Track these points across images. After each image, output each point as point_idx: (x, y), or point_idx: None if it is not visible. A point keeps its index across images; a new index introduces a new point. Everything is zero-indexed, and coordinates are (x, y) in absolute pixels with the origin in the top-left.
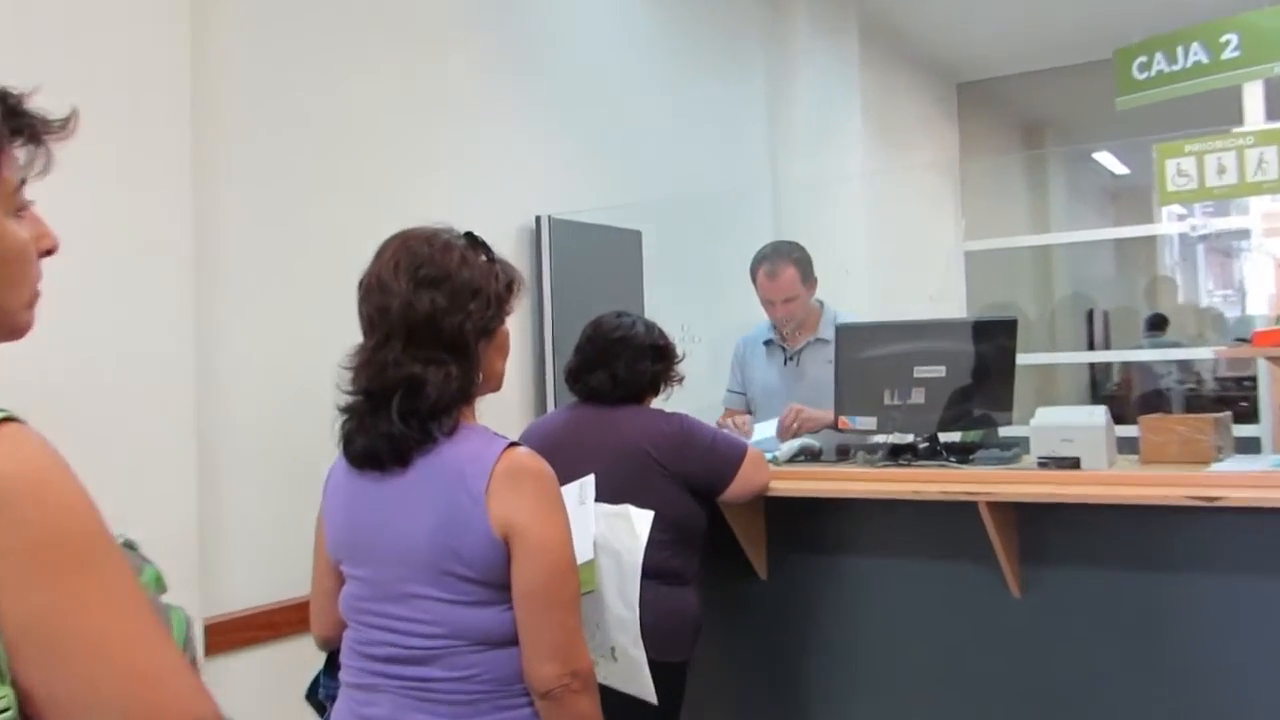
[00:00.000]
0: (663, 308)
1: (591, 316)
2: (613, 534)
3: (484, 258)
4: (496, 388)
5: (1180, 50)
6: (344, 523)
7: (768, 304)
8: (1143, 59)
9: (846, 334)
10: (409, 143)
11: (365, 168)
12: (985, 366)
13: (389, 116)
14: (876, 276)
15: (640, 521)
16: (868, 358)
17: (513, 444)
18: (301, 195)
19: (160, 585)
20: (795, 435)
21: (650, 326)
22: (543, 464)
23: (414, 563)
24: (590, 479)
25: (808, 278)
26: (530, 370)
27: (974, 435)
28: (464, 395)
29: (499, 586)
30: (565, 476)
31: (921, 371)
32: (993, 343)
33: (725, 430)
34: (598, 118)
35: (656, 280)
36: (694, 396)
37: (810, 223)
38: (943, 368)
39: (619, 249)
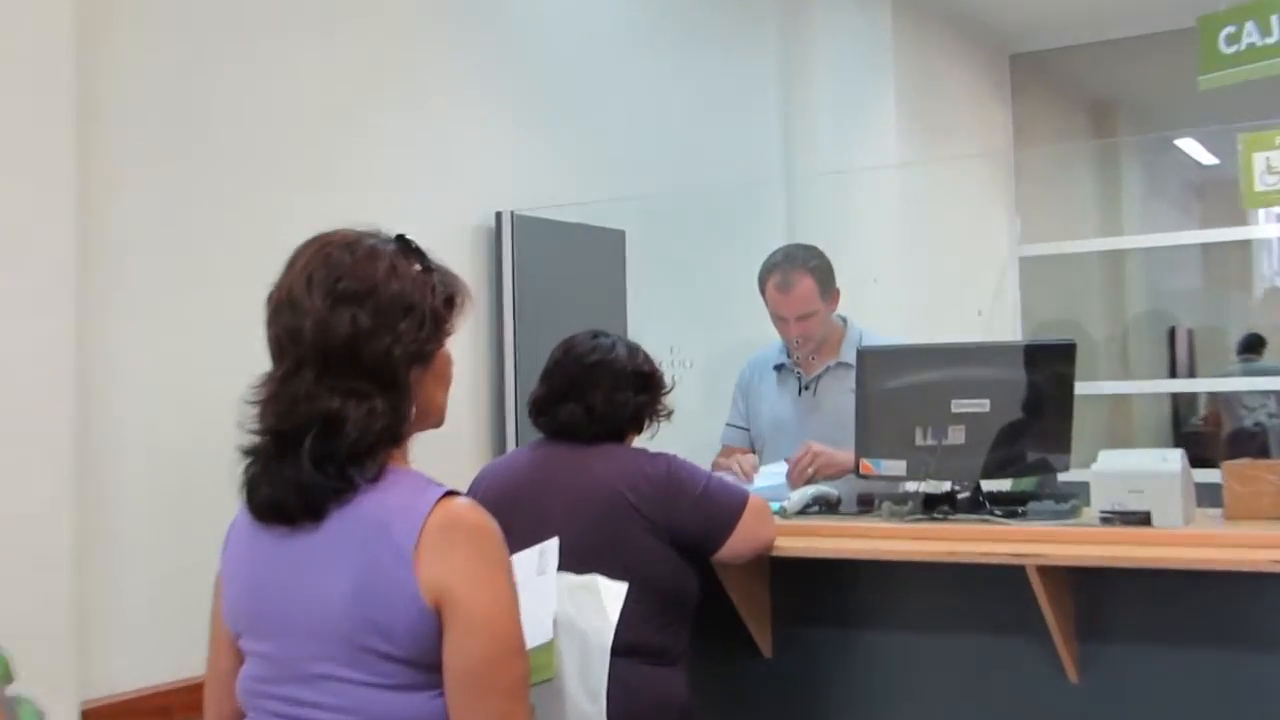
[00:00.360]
0: (649, 325)
1: (562, 335)
2: (577, 611)
3: (418, 267)
4: (437, 423)
5: (1275, 20)
6: (244, 588)
7: (779, 321)
8: (1231, 29)
9: (871, 359)
10: (341, 128)
11: (289, 158)
12: (1039, 399)
13: (317, 97)
14: (912, 288)
15: (611, 596)
16: (896, 388)
17: (451, 493)
18: (213, 190)
19: (6, 674)
20: (810, 481)
21: (633, 349)
22: (485, 517)
23: (326, 637)
24: (553, 544)
25: (827, 290)
26: (486, 401)
27: (1026, 483)
28: (392, 434)
29: (428, 667)
30: (527, 527)
31: (961, 405)
32: (1048, 370)
33: (722, 474)
34: (574, 97)
35: (642, 291)
36: (685, 434)
37: (832, 223)
38: (986, 401)
39: (597, 252)
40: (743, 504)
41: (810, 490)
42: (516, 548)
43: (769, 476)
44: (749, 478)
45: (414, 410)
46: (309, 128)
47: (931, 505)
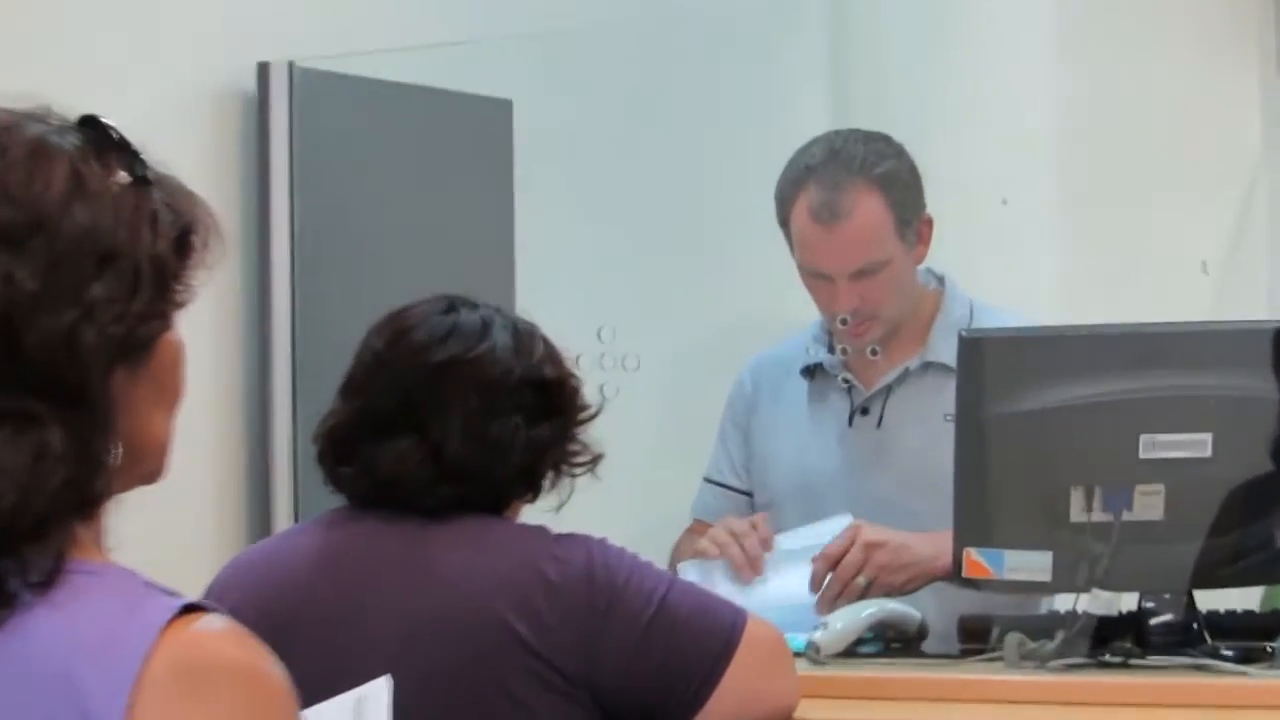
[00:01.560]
0: (557, 285)
1: (386, 303)
2: None
3: (125, 176)
4: (153, 474)
5: None
6: None
7: (815, 281)
8: None
9: (986, 355)
10: None
11: None
12: None
13: None
14: (1076, 220)
15: None
16: (1033, 414)
17: (191, 607)
18: None
19: None
20: (861, 596)
21: (524, 335)
22: (255, 654)
23: None
24: (380, 688)
25: (909, 220)
26: (240, 427)
27: None
28: (78, 494)
29: None
30: (324, 677)
31: (1160, 445)
32: None
33: (690, 566)
34: None
35: (545, 218)
36: (624, 501)
37: (921, 88)
38: (1207, 437)
39: (459, 141)
40: (734, 634)
41: (866, 610)
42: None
43: (789, 568)
44: (750, 571)
45: (119, 448)
46: None
47: (1104, 639)
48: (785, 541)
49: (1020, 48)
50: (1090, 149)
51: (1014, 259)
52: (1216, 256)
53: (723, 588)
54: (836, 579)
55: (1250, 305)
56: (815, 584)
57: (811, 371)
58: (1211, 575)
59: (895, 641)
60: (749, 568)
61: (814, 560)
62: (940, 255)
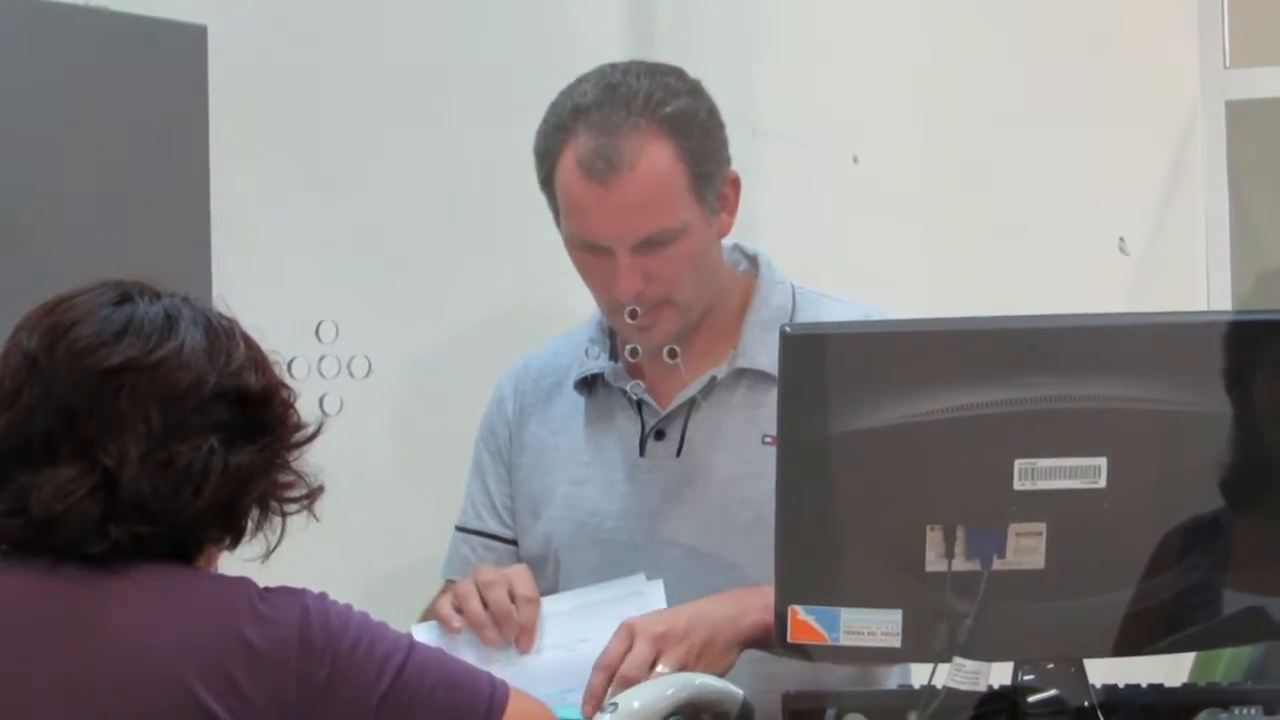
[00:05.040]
0: (265, 271)
1: (40, 289)
2: None
3: None
4: None
5: None
6: None
7: (588, 254)
8: None
9: (812, 358)
10: None
11: None
12: (1247, 460)
13: None
14: (946, 180)
15: None
16: (874, 432)
17: None
18: None
19: None
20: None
21: (221, 333)
22: None
23: None
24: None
25: (709, 174)
26: None
27: (1220, 664)
28: None
29: None
30: None
31: (1039, 475)
32: (1272, 384)
33: (433, 625)
34: None
35: (251, 181)
36: (355, 549)
37: (742, 10)
38: (1100, 463)
39: (138, 77)
40: (492, 714)
41: (669, 687)
42: None
43: (562, 628)
44: (494, 632)
45: None
46: None
47: None
48: (556, 603)
49: None
50: (965, 89)
51: (866, 234)
52: (1139, 233)
53: (471, 658)
54: (619, 684)
55: (1184, 298)
56: (589, 702)
57: (589, 384)
58: (1117, 638)
59: None
60: (492, 629)
61: (593, 672)
62: (766, 228)
